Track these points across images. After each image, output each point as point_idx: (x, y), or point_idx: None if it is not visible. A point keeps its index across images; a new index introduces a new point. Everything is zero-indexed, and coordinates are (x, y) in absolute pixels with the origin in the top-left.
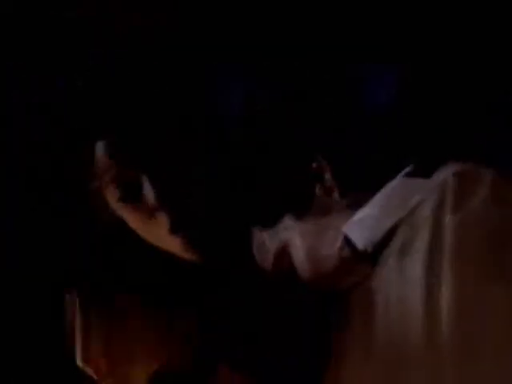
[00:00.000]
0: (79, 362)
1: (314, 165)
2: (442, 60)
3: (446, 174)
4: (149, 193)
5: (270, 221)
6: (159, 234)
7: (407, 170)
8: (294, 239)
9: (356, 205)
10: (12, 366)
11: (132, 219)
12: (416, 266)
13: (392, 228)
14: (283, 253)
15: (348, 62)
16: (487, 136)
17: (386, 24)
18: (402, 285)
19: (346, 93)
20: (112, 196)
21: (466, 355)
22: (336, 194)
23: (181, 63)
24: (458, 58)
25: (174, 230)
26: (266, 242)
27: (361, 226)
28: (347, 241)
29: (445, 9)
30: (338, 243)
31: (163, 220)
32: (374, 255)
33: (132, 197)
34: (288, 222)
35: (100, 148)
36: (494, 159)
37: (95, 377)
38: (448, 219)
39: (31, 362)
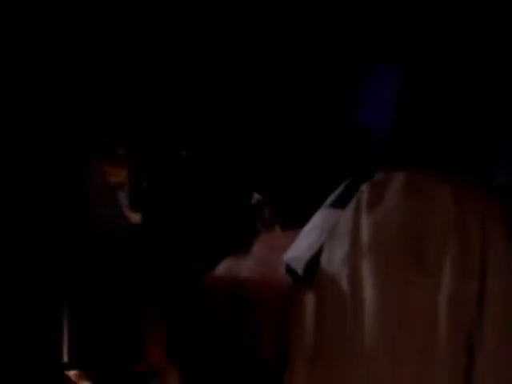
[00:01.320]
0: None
1: (253, 201)
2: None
3: (360, 189)
4: None
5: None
6: None
7: (330, 199)
8: None
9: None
10: None
11: None
12: (343, 272)
13: (319, 249)
14: None
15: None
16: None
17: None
18: (334, 290)
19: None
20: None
21: (392, 351)
22: (277, 228)
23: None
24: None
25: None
26: None
27: (294, 251)
28: (287, 267)
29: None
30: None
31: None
32: (308, 273)
33: None
34: None
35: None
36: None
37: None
38: (363, 220)
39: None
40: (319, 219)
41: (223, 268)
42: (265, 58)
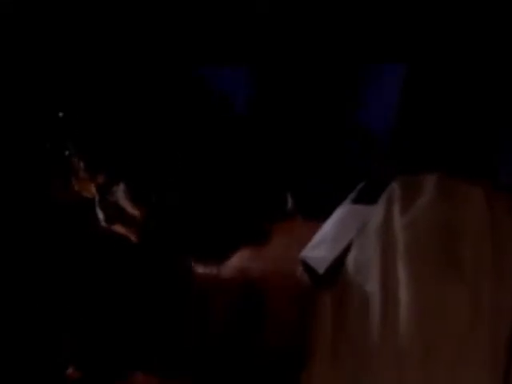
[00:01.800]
0: None
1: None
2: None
3: (390, 187)
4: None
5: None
6: None
7: (353, 195)
8: None
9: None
10: None
11: None
12: (373, 272)
13: (345, 249)
14: None
15: None
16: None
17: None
18: (361, 290)
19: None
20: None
21: (426, 358)
22: (299, 218)
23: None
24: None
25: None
26: None
27: (316, 250)
28: (305, 265)
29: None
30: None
31: None
32: (329, 273)
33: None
34: None
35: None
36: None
37: None
38: (397, 222)
39: None
40: (341, 216)
41: (233, 263)
42: (266, 56)
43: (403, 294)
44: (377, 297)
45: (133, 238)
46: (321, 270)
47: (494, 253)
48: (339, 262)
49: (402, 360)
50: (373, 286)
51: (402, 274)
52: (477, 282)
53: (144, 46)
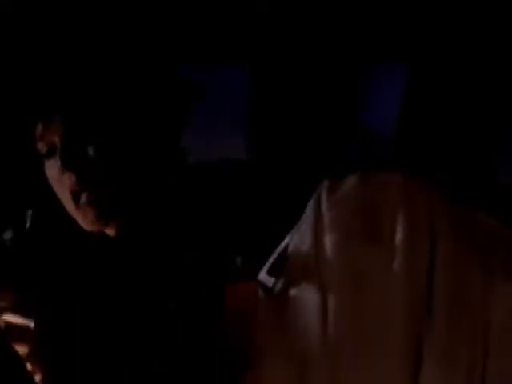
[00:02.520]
0: None
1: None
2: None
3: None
4: None
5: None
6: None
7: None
8: None
9: None
10: None
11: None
12: (310, 254)
13: (282, 249)
14: None
15: None
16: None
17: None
18: (305, 275)
19: None
20: None
21: (352, 312)
22: None
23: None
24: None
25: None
26: None
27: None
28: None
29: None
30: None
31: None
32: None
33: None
34: None
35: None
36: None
37: None
38: (324, 204)
39: None
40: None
41: None
42: (266, 56)
43: (330, 266)
44: (314, 276)
45: (90, 213)
46: (269, 283)
47: (407, 225)
48: (280, 262)
49: (337, 355)
50: (311, 268)
51: (329, 248)
52: (393, 247)
53: (142, 46)
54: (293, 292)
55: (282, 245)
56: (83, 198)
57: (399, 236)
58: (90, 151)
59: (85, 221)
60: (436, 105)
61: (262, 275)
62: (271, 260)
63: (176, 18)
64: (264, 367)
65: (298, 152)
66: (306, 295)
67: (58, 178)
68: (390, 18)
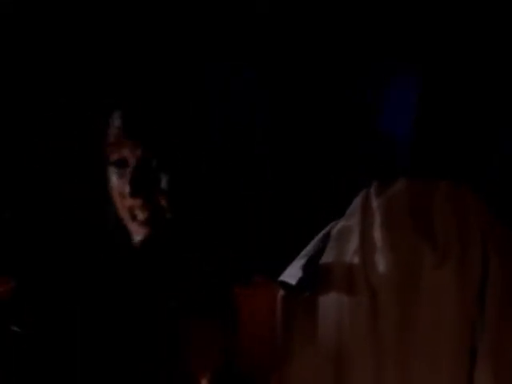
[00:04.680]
0: None
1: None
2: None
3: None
4: None
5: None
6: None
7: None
8: None
9: None
10: None
11: None
12: (353, 236)
13: (314, 254)
14: None
15: None
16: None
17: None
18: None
19: None
20: None
21: (403, 312)
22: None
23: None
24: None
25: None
26: None
27: (287, 270)
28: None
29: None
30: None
31: None
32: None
33: None
34: None
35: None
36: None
37: None
38: (374, 202)
39: None
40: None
41: None
42: (271, 57)
43: (378, 258)
44: (361, 277)
45: (142, 230)
46: (293, 281)
47: (460, 230)
48: (313, 269)
49: (382, 353)
50: (351, 248)
51: (378, 239)
52: (446, 249)
53: (141, 46)
54: (333, 292)
55: (316, 243)
56: (140, 215)
57: (452, 239)
58: (163, 182)
59: (136, 236)
60: (451, 107)
61: (286, 274)
62: (304, 258)
63: (176, 18)
64: (293, 367)
65: (312, 154)
66: (351, 294)
67: (120, 189)
68: (404, 19)
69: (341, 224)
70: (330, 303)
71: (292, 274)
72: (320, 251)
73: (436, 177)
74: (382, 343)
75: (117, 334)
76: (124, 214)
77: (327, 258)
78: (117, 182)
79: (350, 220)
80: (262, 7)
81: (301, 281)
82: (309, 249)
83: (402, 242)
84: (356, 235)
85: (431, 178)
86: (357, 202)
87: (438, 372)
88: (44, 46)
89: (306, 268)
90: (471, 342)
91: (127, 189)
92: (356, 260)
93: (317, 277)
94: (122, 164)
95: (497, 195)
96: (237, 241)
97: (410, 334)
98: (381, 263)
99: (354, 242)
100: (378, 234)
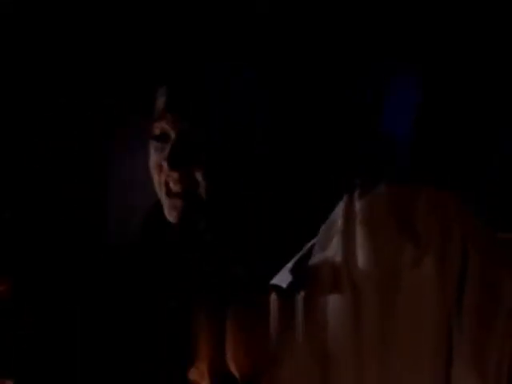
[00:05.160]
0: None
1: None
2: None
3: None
4: None
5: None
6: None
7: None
8: None
9: None
10: None
11: None
12: (337, 254)
13: (302, 256)
14: None
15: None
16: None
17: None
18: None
19: None
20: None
21: (383, 308)
22: None
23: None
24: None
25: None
26: None
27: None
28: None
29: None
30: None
31: None
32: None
33: None
34: None
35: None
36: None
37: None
38: (357, 203)
39: None
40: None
41: None
42: (271, 58)
43: (361, 258)
44: (344, 271)
45: (176, 204)
46: (284, 284)
47: (440, 228)
48: (301, 269)
49: (364, 354)
50: (335, 249)
51: (360, 238)
52: (426, 247)
53: (140, 46)
54: (319, 293)
55: (308, 245)
56: (176, 188)
57: (433, 237)
58: (202, 159)
59: (171, 211)
60: (451, 107)
61: (278, 278)
62: (295, 260)
63: (176, 18)
64: (284, 367)
65: (312, 154)
66: (335, 295)
67: (158, 164)
68: (404, 19)
69: (326, 226)
70: (316, 305)
71: (283, 278)
72: (308, 254)
73: (436, 177)
74: (364, 343)
75: (117, 333)
76: (160, 189)
77: (313, 260)
78: (156, 156)
79: (334, 223)
80: (262, 7)
81: (291, 284)
82: (300, 252)
83: (383, 242)
84: (339, 236)
85: (414, 184)
86: (340, 205)
87: (419, 372)
88: (44, 46)
89: (295, 271)
90: (450, 341)
91: (166, 163)
92: (339, 260)
93: (306, 279)
94: (163, 138)
95: (497, 195)
96: (237, 241)
97: (392, 334)
98: (362, 263)
99: (337, 243)
100: (359, 234)
